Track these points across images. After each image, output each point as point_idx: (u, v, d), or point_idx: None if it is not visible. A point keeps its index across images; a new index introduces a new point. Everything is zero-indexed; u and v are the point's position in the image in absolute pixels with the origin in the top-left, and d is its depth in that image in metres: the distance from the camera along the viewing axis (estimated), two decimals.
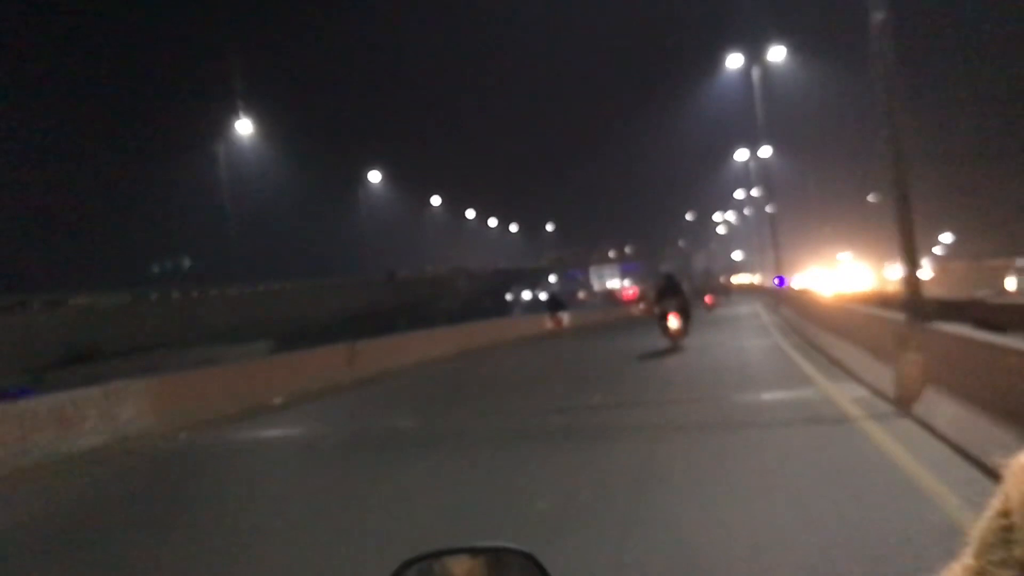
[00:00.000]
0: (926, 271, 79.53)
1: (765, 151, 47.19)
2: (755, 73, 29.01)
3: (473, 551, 1.23)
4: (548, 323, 34.67)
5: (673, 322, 18.21)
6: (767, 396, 10.31)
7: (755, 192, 65.58)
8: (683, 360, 15.94)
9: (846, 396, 9.33)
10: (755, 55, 29.31)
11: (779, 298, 30.19)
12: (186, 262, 40.51)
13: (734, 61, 29.57)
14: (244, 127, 41.35)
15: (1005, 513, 0.66)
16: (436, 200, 78.97)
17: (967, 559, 0.68)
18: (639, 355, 18.05)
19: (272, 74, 79.60)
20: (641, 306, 47.00)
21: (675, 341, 18.20)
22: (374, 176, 61.23)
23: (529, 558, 1.17)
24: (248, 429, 12.25)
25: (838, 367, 12.11)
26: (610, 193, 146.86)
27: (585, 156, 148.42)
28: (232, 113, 40.77)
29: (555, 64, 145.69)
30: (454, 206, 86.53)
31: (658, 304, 19.03)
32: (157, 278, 40.71)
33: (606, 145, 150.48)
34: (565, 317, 35.39)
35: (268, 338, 28.41)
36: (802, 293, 30.17)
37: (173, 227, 47.73)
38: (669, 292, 18.79)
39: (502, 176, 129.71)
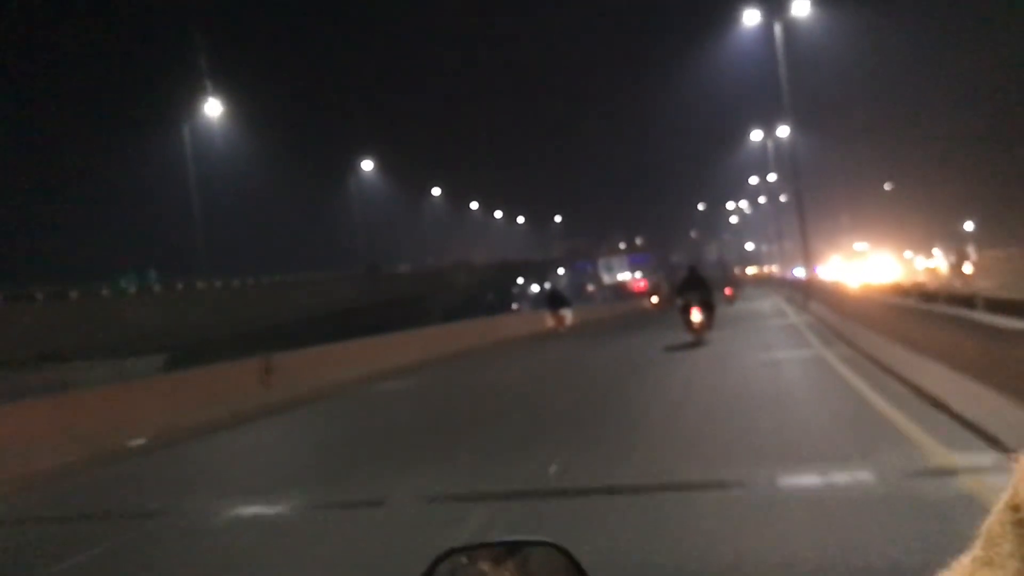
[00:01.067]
0: (946, 261, 74.63)
1: (783, 131, 42.77)
2: (776, 29, 24.59)
3: (507, 544, 1.21)
4: (548, 321, 30.48)
5: (696, 315, 17.36)
6: (841, 478, 5.62)
7: (771, 177, 61.05)
8: (698, 390, 11.63)
9: (993, 483, 4.90)
10: (775, 10, 24.92)
11: (806, 291, 25.82)
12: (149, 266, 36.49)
13: (751, 18, 25.15)
14: (212, 108, 37.24)
15: (1015, 507, 0.66)
16: (436, 191, 74.94)
17: (976, 550, 0.68)
18: (643, 366, 14.02)
19: (250, 53, 74.64)
20: (653, 299, 42.75)
21: (698, 335, 17.30)
22: (367, 165, 57.35)
23: (563, 551, 1.15)
24: (71, 494, 8.22)
25: (929, 401, 7.77)
26: (620, 183, 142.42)
27: (594, 145, 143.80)
28: (199, 91, 36.63)
29: (559, 47, 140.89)
30: (456, 197, 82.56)
31: (681, 296, 18.25)
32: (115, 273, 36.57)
33: (615, 133, 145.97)
34: (568, 314, 31.15)
35: (214, 342, 24.54)
36: (833, 286, 25.88)
37: (135, 218, 43.67)
38: (692, 284, 18.01)
39: (506, 166, 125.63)
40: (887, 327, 13.02)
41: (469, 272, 66.09)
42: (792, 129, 26.18)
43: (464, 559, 1.17)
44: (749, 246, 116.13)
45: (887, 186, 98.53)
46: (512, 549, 1.19)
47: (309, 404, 13.46)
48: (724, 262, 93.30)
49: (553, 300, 32.16)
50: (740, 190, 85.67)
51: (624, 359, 16.33)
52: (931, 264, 65.34)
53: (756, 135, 44.21)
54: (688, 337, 17.54)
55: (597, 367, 15.43)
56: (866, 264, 57.02)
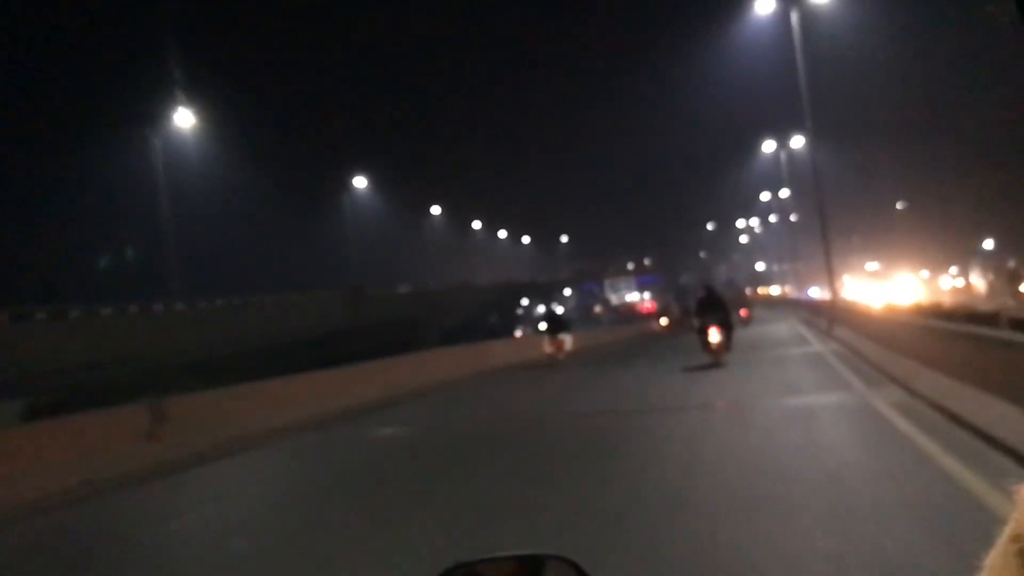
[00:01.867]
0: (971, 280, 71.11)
1: (797, 141, 39.73)
2: (793, 19, 21.54)
3: (515, 559, 1.19)
4: (546, 347, 27.29)
5: (715, 336, 16.97)
6: None
7: (783, 193, 57.98)
8: (706, 465, 8.42)
9: None
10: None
11: (830, 314, 22.58)
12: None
13: (764, 6, 22.05)
14: (186, 119, 34.48)
15: (1017, 537, 0.67)
16: (436, 209, 72.04)
17: None
18: (640, 416, 10.77)
19: (234, 61, 71.30)
20: (662, 321, 39.51)
21: (716, 357, 16.93)
22: (360, 182, 54.53)
23: (573, 566, 1.13)
24: None
25: None
26: (628, 203, 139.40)
27: (601, 164, 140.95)
28: (169, 100, 33.89)
29: (564, 64, 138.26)
30: (457, 216, 79.77)
31: (698, 317, 17.93)
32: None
33: (623, 152, 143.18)
34: (567, 340, 27.90)
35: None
36: (860, 309, 22.70)
37: (95, 233, 40.74)
38: (710, 305, 17.66)
39: (511, 185, 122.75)
40: (944, 360, 9.85)
41: (469, 294, 62.92)
42: (811, 132, 22.98)
43: (473, 573, 1.14)
44: (760, 266, 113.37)
45: (900, 205, 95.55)
46: (523, 563, 1.17)
47: (206, 464, 10.35)
48: (734, 283, 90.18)
49: (551, 324, 28.88)
50: (751, 208, 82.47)
51: (619, 401, 13.19)
52: (956, 283, 61.73)
53: (768, 146, 41.12)
54: (704, 359, 17.00)
55: (582, 415, 12.24)
56: (887, 284, 53.62)
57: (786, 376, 13.82)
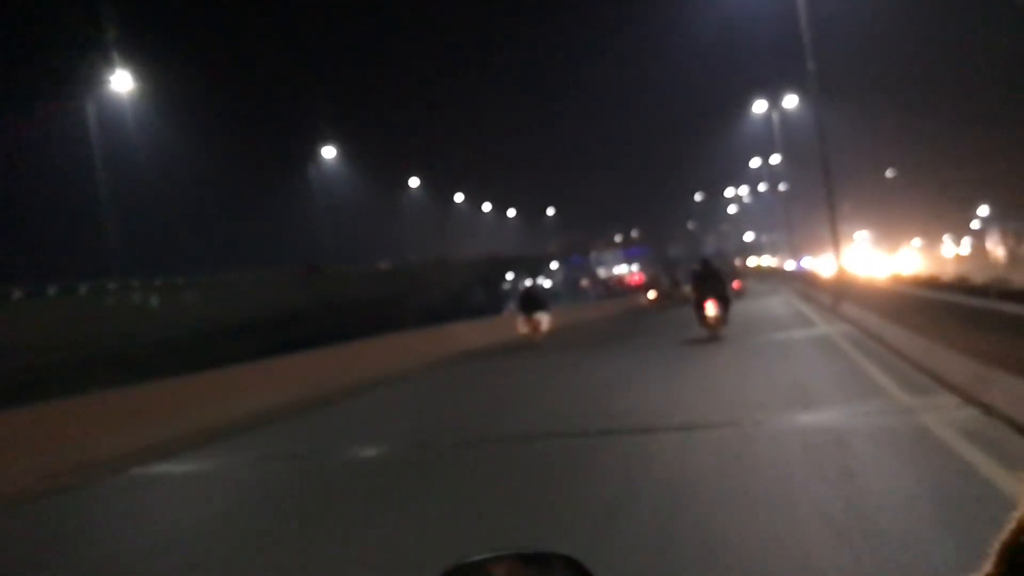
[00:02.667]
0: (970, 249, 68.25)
1: (790, 100, 36.52)
2: None
3: (518, 557, 1.16)
4: (521, 327, 24.25)
5: (711, 309, 16.51)
6: None
7: (774, 159, 54.69)
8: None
9: None
10: None
11: (837, 289, 19.39)
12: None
13: None
14: (122, 81, 31.00)
15: (1023, 528, 0.68)
16: (414, 182, 68.60)
17: (988, 568, 0.69)
18: (611, 442, 7.53)
19: (178, 17, 64.75)
20: (650, 295, 37.64)
21: (713, 331, 16.49)
22: (328, 152, 51.14)
23: (576, 564, 1.12)
24: None
25: None
26: (614, 175, 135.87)
27: (587, 134, 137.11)
28: (104, 61, 30.38)
29: (546, 26, 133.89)
30: (437, 189, 76.47)
31: (695, 291, 17.34)
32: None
33: (608, 120, 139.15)
34: (545, 319, 24.85)
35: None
36: (865, 281, 19.72)
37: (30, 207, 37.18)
38: (706, 278, 16.98)
39: (493, 156, 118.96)
40: (1008, 356, 6.83)
41: (451, 269, 59.65)
42: (814, 75, 19.71)
43: (475, 571, 1.13)
44: (748, 236, 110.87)
45: (889, 173, 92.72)
46: (526, 561, 1.16)
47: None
48: (723, 254, 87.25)
49: (526, 302, 25.73)
50: (740, 176, 79.23)
51: (577, 413, 10.10)
52: (960, 251, 58.81)
53: (759, 107, 37.82)
54: (695, 338, 16.50)
55: (530, 436, 9.11)
56: (889, 253, 50.51)
57: (795, 373, 10.70)
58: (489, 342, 23.28)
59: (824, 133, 19.60)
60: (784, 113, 37.02)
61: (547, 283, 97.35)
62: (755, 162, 59.34)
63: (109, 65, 30.28)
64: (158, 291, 30.08)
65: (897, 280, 21.32)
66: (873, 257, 46.28)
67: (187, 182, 40.16)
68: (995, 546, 0.69)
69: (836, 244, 19.96)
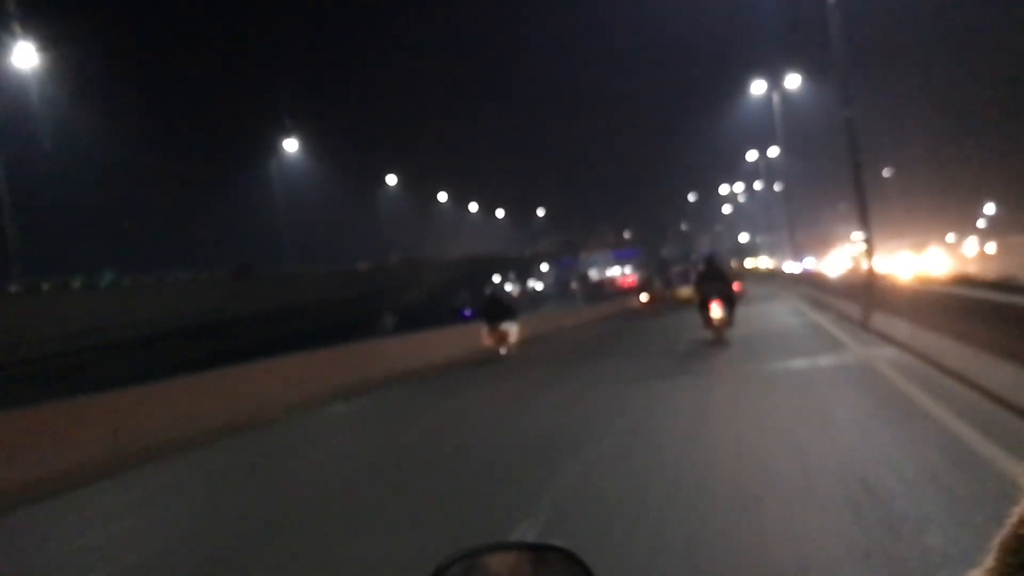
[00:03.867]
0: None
1: (792, 80, 32.03)
2: None
3: (517, 548, 1.20)
4: (485, 339, 19.64)
5: (716, 311, 15.18)
6: None
7: (772, 152, 50.32)
8: None
9: None
10: None
11: (867, 298, 14.56)
12: None
13: None
14: (26, 57, 26.50)
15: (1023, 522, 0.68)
16: (392, 179, 64.04)
17: (990, 562, 0.69)
18: None
19: None
20: (642, 297, 34.04)
21: (718, 333, 15.17)
22: (291, 145, 46.59)
23: (573, 557, 1.11)
24: None
25: None
26: (606, 175, 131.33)
27: (578, 131, 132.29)
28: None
29: (533, 17, 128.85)
30: (420, 187, 72.01)
31: (699, 292, 16.06)
32: None
33: (598, 117, 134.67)
34: (512, 329, 20.49)
35: None
36: (896, 283, 15.23)
37: None
38: (711, 277, 15.78)
39: (480, 157, 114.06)
40: None
41: (423, 271, 55.06)
42: (838, 40, 15.16)
43: (479, 563, 1.12)
44: (743, 237, 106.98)
45: (886, 172, 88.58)
46: (525, 553, 1.17)
47: None
48: (718, 255, 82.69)
49: (490, 310, 21.26)
50: (735, 171, 74.74)
51: (512, 478, 5.62)
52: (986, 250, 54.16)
53: (758, 87, 33.25)
54: (694, 344, 15.34)
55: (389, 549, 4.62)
56: (911, 253, 45.82)
57: (839, 445, 6.11)
58: (450, 355, 19.01)
59: (849, 94, 15.10)
60: (786, 95, 32.56)
61: (539, 285, 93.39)
62: (752, 155, 54.89)
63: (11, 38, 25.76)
64: (47, 295, 25.46)
65: (935, 282, 16.92)
66: (900, 256, 41.58)
67: (122, 176, 35.44)
68: (996, 541, 0.68)
69: (868, 240, 15.25)
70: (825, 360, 11.11)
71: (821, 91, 34.57)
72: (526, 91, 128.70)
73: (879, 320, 13.33)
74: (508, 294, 23.82)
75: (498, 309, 20.49)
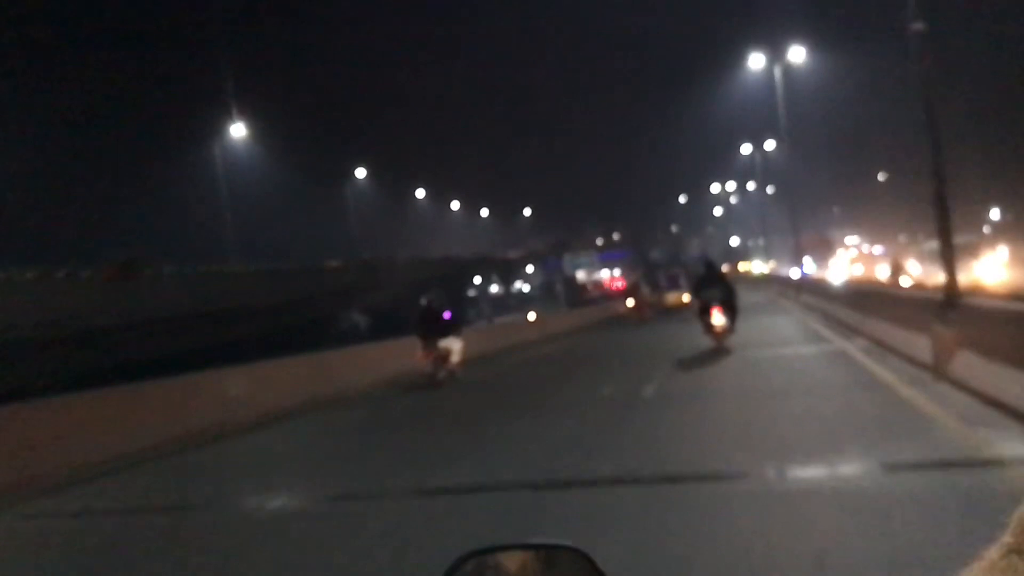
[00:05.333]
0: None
1: (796, 53, 26.69)
2: None
3: (528, 547, 1.17)
4: (420, 358, 15.17)
5: (718, 318, 14.21)
6: None
7: (768, 145, 45.07)
8: None
9: None
10: None
11: (941, 325, 9.00)
12: None
13: None
14: None
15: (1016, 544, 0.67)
16: (361, 172, 58.46)
17: (1007, 538, 0.69)
18: None
19: None
20: (629, 303, 30.62)
21: (719, 340, 14.10)
22: (238, 130, 41.08)
23: (584, 556, 1.11)
24: None
25: None
26: (594, 173, 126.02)
27: (566, 128, 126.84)
28: None
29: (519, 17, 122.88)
30: (397, 183, 66.79)
31: (698, 296, 15.14)
32: None
33: (587, 114, 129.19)
34: (455, 348, 15.44)
35: None
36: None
37: None
38: (711, 282, 14.90)
39: (462, 153, 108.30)
40: None
41: (396, 272, 49.54)
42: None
43: (491, 561, 1.13)
44: (734, 241, 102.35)
45: (881, 176, 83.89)
46: (535, 552, 1.16)
47: None
48: (706, 259, 77.74)
49: (425, 324, 16.14)
50: (727, 167, 69.39)
51: None
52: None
53: (756, 61, 27.76)
54: (708, 341, 13.82)
55: None
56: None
57: None
58: (379, 376, 15.25)
59: (930, 76, 9.65)
60: (788, 68, 27.13)
61: (525, 287, 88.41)
62: (747, 148, 49.48)
63: None
64: None
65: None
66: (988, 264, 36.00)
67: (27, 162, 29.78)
68: (1013, 516, 0.68)
69: (944, 238, 9.67)
70: (915, 481, 5.50)
71: (825, 66, 29.33)
72: (509, 83, 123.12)
73: (972, 369, 7.91)
74: (449, 304, 18.36)
75: (435, 323, 15.35)
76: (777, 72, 27.51)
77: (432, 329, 15.19)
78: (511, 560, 1.12)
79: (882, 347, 11.56)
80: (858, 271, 48.92)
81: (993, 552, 0.67)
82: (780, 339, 14.83)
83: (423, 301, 17.52)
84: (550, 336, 25.99)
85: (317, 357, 16.46)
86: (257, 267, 36.16)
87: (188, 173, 38.37)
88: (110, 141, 40.84)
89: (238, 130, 40.62)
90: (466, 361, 17.50)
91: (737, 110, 39.94)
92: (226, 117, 40.06)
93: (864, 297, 17.09)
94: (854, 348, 12.15)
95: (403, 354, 16.07)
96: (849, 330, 14.74)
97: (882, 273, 34.67)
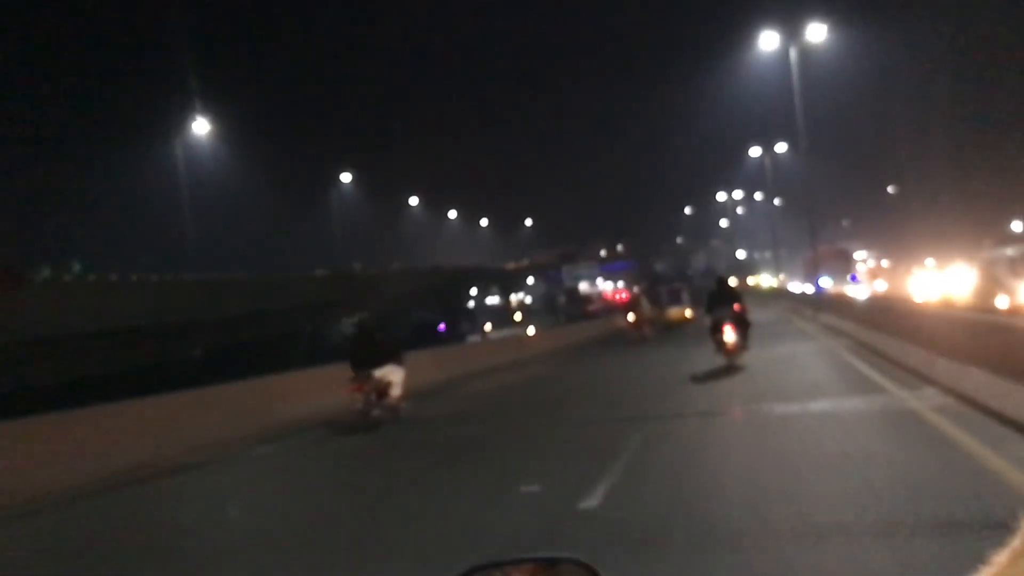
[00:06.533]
0: None
1: (816, 31, 22.51)
2: None
3: (534, 561, 1.15)
4: (348, 391, 11.81)
5: (730, 335, 13.67)
6: None
7: (780, 147, 40.89)
8: None
9: None
10: None
11: None
12: None
13: None
14: None
15: None
16: (346, 177, 54.34)
17: (1016, 543, 0.68)
18: None
19: None
20: (630, 317, 28.01)
21: (731, 358, 13.55)
22: (201, 127, 37.12)
23: (589, 569, 1.09)
24: None
25: None
26: (598, 181, 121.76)
27: (568, 135, 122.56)
28: None
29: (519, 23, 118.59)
30: (388, 190, 62.93)
31: (709, 313, 14.56)
32: None
33: (590, 120, 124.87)
34: (395, 379, 12.56)
35: None
36: None
37: None
38: (722, 298, 14.43)
39: (461, 161, 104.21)
40: None
41: (331, 280, 45.27)
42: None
43: (491, 574, 1.11)
44: (740, 254, 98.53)
45: (891, 189, 79.59)
46: (538, 565, 1.14)
47: None
48: (713, 272, 73.77)
49: (359, 350, 12.55)
50: (736, 173, 65.02)
51: None
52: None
53: (768, 41, 23.53)
54: (709, 365, 13.11)
55: None
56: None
57: None
58: (322, 409, 12.25)
59: None
60: (807, 51, 22.92)
61: (527, 298, 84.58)
62: (755, 151, 45.16)
63: None
64: None
65: None
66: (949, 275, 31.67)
67: None
68: (1023, 522, 0.68)
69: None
70: None
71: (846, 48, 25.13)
72: (506, 87, 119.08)
73: None
74: (382, 329, 14.51)
75: (369, 349, 12.17)
76: (793, 53, 23.33)
77: (365, 357, 11.93)
78: (515, 573, 1.10)
79: (976, 407, 7.32)
80: (881, 287, 44.37)
81: (1003, 556, 0.66)
82: (807, 384, 10.46)
83: (356, 323, 14.04)
84: (528, 359, 21.98)
85: (236, 387, 12.83)
86: (213, 276, 32.14)
87: (142, 170, 34.46)
88: (74, 132, 36.97)
89: (201, 126, 36.73)
90: (425, 391, 14.34)
91: (748, 102, 35.78)
92: (189, 111, 36.21)
93: (909, 319, 12.84)
94: (926, 406, 7.88)
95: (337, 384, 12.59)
96: (904, 370, 10.46)
97: (920, 288, 30.39)
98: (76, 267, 29.13)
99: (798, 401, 9.01)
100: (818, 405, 8.71)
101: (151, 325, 22.24)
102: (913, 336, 11.47)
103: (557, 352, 24.66)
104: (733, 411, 9.32)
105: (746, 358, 13.74)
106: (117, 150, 39.79)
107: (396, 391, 12.25)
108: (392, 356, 12.50)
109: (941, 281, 29.35)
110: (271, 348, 26.02)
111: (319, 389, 13.36)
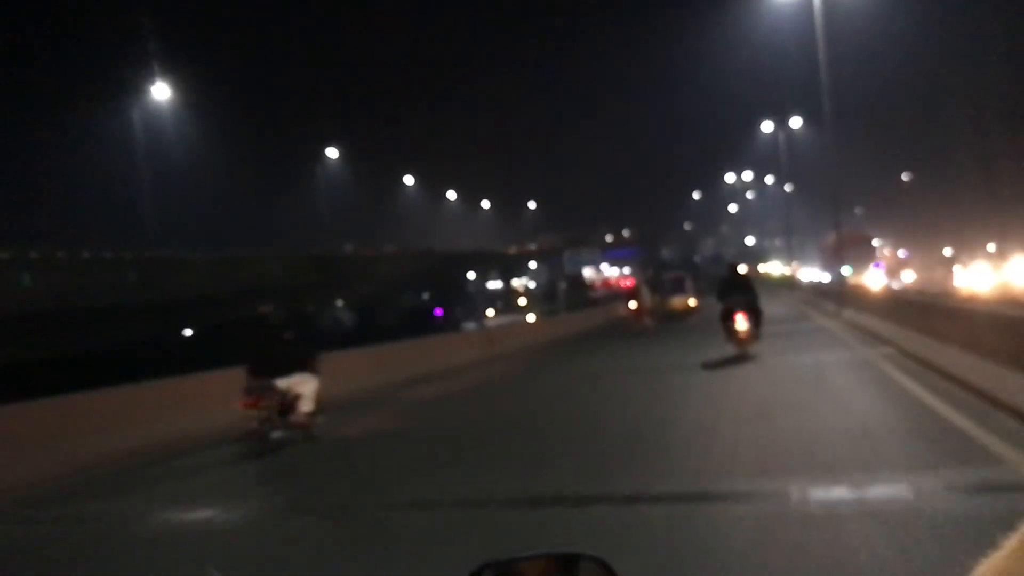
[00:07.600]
0: None
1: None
2: None
3: (548, 556, 1.15)
4: (241, 405, 8.71)
5: (742, 323, 13.39)
6: None
7: (795, 123, 36.82)
8: None
9: None
10: None
11: None
12: None
13: None
14: None
15: None
16: (332, 153, 50.51)
17: (1012, 543, 0.68)
18: None
19: None
20: (631, 305, 25.61)
21: (742, 347, 13.30)
22: (160, 92, 33.32)
23: (603, 565, 1.10)
24: None
25: None
26: (606, 166, 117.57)
27: (574, 116, 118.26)
28: None
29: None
30: (379, 168, 59.33)
31: (721, 301, 14.07)
32: None
33: (598, 100, 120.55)
34: (307, 390, 9.41)
35: None
36: None
37: None
38: (734, 286, 14.04)
39: (460, 140, 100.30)
40: None
41: (295, 263, 41.50)
42: None
43: (511, 570, 1.11)
44: (750, 240, 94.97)
45: (905, 176, 75.29)
46: (552, 562, 1.14)
47: None
48: (722, 259, 70.02)
49: (260, 352, 9.42)
50: (746, 149, 60.88)
51: None
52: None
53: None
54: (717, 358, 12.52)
55: None
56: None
57: None
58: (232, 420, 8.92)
59: None
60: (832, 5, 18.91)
61: (531, 284, 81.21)
62: (767, 126, 41.03)
63: None
64: None
65: None
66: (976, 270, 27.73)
67: None
68: (1021, 526, 0.68)
69: None
70: None
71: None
72: (507, 66, 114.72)
73: None
74: (291, 326, 10.51)
75: (273, 352, 9.35)
76: (817, 5, 19.30)
77: (267, 362, 9.16)
78: (531, 569, 1.10)
79: None
80: (909, 278, 40.20)
81: (1013, 540, 0.67)
82: (855, 433, 6.44)
83: (258, 317, 10.60)
84: (500, 356, 18.39)
85: (126, 391, 10.19)
86: (160, 254, 28.43)
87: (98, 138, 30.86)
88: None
89: (161, 91, 32.92)
90: (360, 399, 11.86)
91: (762, 68, 31.75)
92: (147, 75, 32.43)
93: (976, 323, 8.96)
94: None
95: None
96: (1003, 409, 6.54)
97: (975, 282, 26.43)
98: None
99: (846, 479, 5.04)
100: (882, 491, 4.80)
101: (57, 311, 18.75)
102: (995, 351, 7.59)
103: (535, 347, 21.02)
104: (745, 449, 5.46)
105: (756, 373, 9.93)
106: (68, 113, 36.20)
107: (306, 406, 9.27)
108: (302, 362, 9.37)
109: (1003, 274, 25.34)
110: (210, 340, 22.44)
111: (220, 397, 9.91)
